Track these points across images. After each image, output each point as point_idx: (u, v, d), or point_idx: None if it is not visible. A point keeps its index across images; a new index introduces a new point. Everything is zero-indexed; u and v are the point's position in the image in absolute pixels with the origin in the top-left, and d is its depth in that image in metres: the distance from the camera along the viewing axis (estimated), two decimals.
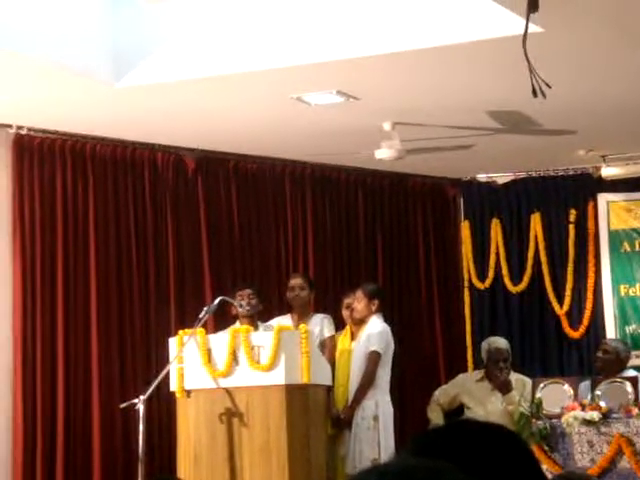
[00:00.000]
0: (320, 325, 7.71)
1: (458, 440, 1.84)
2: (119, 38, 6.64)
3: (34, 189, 7.79)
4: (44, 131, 7.85)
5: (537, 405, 7.34)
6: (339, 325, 7.86)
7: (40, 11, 6.20)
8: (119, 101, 7.02)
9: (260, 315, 7.56)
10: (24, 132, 7.76)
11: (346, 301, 7.74)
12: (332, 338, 7.73)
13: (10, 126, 7.71)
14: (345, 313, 7.74)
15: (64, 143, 7.96)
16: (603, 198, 9.55)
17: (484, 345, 8.21)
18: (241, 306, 7.31)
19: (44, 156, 7.86)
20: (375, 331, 7.50)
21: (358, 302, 7.60)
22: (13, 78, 6.51)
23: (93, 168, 8.08)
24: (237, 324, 7.42)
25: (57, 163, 7.91)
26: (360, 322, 7.60)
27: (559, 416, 7.23)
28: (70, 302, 7.87)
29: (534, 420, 7.25)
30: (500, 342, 8.15)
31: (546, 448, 7.17)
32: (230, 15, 6.48)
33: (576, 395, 7.45)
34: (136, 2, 6.34)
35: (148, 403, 6.65)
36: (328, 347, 7.63)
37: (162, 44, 6.60)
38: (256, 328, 7.23)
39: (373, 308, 7.58)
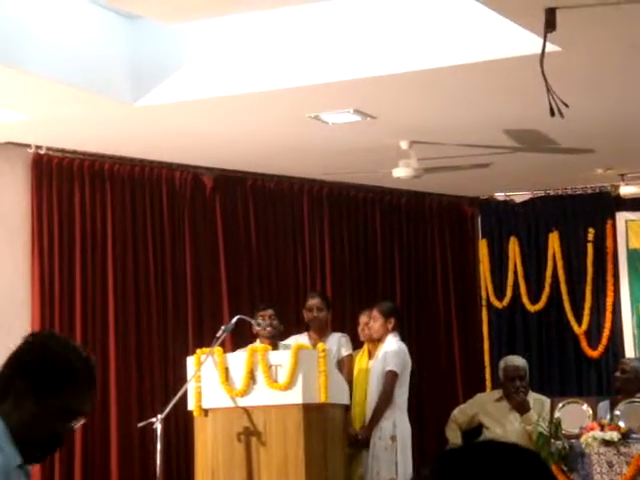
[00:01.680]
0: (338, 344, 7.70)
1: (479, 461, 1.84)
2: (138, 57, 6.67)
3: (52, 208, 7.82)
4: (62, 150, 7.88)
5: (556, 425, 7.30)
6: (356, 344, 7.85)
7: (58, 31, 6.24)
8: (137, 120, 7.05)
9: (280, 334, 7.57)
10: (43, 152, 7.80)
11: (362, 319, 7.73)
12: (350, 357, 7.71)
13: (29, 146, 7.75)
14: (361, 331, 7.72)
15: (82, 162, 7.99)
16: (622, 217, 9.52)
17: (501, 364, 8.18)
18: (259, 325, 7.31)
19: (62, 175, 7.89)
20: (392, 350, 7.49)
21: (374, 321, 7.59)
22: (31, 98, 6.55)
23: (111, 187, 8.11)
24: (257, 343, 7.42)
25: (75, 182, 7.94)
26: (377, 341, 7.59)
27: (578, 436, 7.19)
28: (88, 320, 7.89)
29: (553, 440, 7.20)
30: (517, 360, 8.12)
31: (565, 468, 7.12)
32: (248, 35, 6.50)
33: (595, 415, 7.41)
34: (155, 22, 6.36)
35: (166, 422, 6.65)
36: (346, 366, 7.62)
37: (180, 63, 6.63)
38: (276, 348, 7.23)
39: (389, 327, 7.56)
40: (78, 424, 2.75)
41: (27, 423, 2.67)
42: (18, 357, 2.75)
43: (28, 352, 2.73)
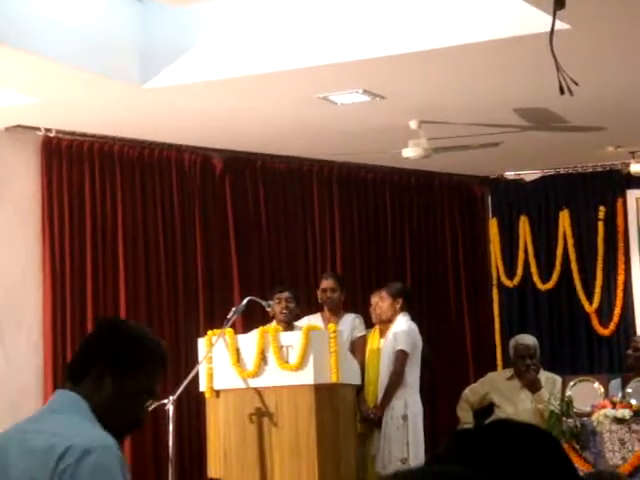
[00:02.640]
0: (351, 325, 7.71)
1: (493, 440, 1.85)
2: (146, 39, 6.67)
3: (63, 191, 7.83)
4: (72, 133, 7.89)
5: (567, 403, 7.30)
6: (369, 324, 7.86)
7: (67, 13, 6.24)
8: (147, 102, 7.05)
9: (296, 317, 7.60)
10: (52, 134, 7.81)
11: (373, 300, 7.74)
12: (363, 338, 7.73)
13: (38, 129, 7.76)
14: (373, 312, 7.74)
15: (92, 145, 8.00)
16: (632, 195, 9.50)
17: (511, 342, 8.18)
18: (269, 306, 7.32)
19: (72, 158, 7.90)
20: (402, 330, 7.49)
21: (382, 302, 7.60)
22: (41, 80, 6.55)
23: (121, 169, 8.12)
24: (273, 323, 7.44)
25: (85, 165, 7.95)
26: (387, 321, 7.60)
27: (589, 414, 7.20)
28: (99, 302, 7.91)
29: (564, 418, 7.21)
30: (527, 339, 8.11)
31: (577, 446, 7.13)
32: (256, 16, 6.49)
33: (606, 393, 7.41)
34: (163, 3, 6.35)
35: (177, 403, 6.67)
36: (359, 347, 7.64)
37: (189, 45, 6.62)
38: (292, 330, 7.24)
39: (397, 307, 7.57)
40: (152, 406, 2.84)
41: (107, 404, 2.73)
42: (94, 340, 2.85)
43: (104, 335, 2.83)
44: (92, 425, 2.68)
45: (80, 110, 7.30)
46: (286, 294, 7.48)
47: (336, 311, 7.81)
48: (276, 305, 7.42)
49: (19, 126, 7.65)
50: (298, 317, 7.62)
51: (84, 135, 7.94)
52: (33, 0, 6.03)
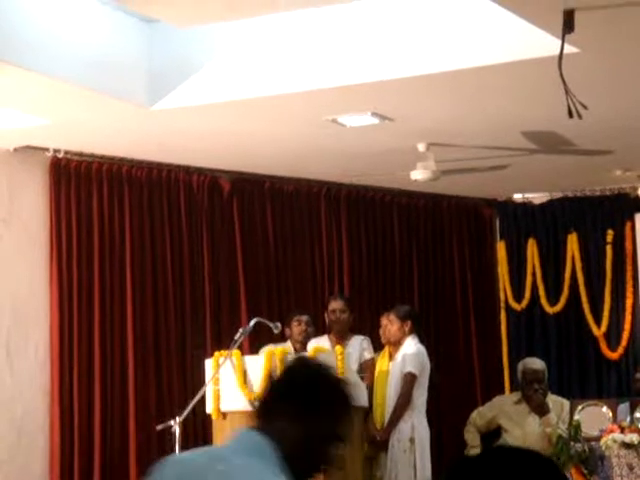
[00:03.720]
0: (360, 347, 7.72)
1: (494, 468, 1.83)
2: (154, 61, 6.68)
3: (71, 212, 7.84)
4: (80, 154, 7.91)
5: (575, 427, 7.27)
6: (378, 346, 7.85)
7: (76, 34, 6.25)
8: (154, 124, 7.06)
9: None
10: (61, 155, 7.82)
11: (383, 321, 7.73)
12: (372, 360, 7.73)
13: (47, 149, 7.78)
14: (382, 334, 7.72)
15: (100, 166, 8.01)
16: None
17: (519, 366, 8.15)
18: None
19: (81, 179, 7.91)
20: (410, 352, 7.48)
21: (391, 324, 7.60)
22: (49, 102, 6.57)
23: (129, 190, 8.13)
24: (287, 344, 7.49)
25: (93, 186, 7.96)
26: (396, 343, 7.58)
27: (598, 439, 7.16)
28: (107, 323, 7.91)
29: (572, 443, 7.18)
30: (535, 363, 8.08)
31: (585, 471, 7.09)
32: (264, 37, 6.50)
33: (615, 417, 7.38)
34: (171, 25, 6.37)
35: (184, 425, 6.65)
36: (368, 369, 7.64)
37: (197, 67, 6.63)
38: (305, 351, 7.35)
39: (406, 330, 7.56)
40: (338, 449, 2.75)
41: (296, 447, 2.64)
42: (286, 381, 2.76)
43: (296, 376, 2.76)
44: (275, 475, 2.58)
45: (89, 131, 7.32)
46: (305, 317, 7.74)
47: (344, 333, 7.81)
48: (295, 327, 7.67)
49: (28, 147, 7.68)
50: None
51: (92, 156, 7.96)
52: (42, 21, 6.05)
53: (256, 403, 2.73)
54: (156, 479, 2.62)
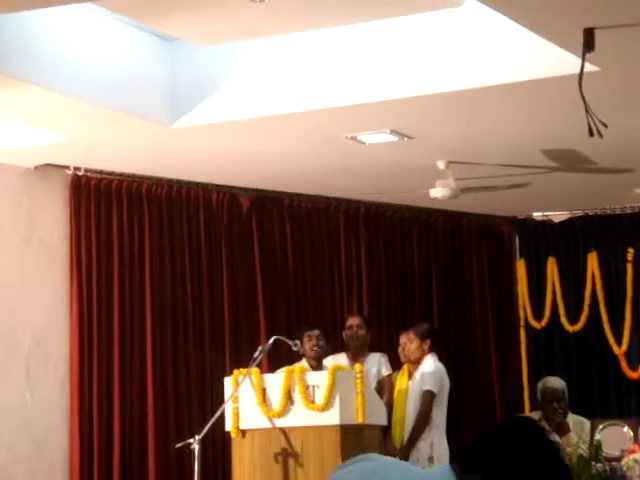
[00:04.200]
0: (378, 364, 7.70)
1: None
2: (174, 79, 6.71)
3: (91, 229, 7.87)
4: (101, 172, 7.93)
5: (596, 447, 7.22)
6: (396, 364, 7.82)
7: (96, 52, 6.29)
8: (175, 142, 7.08)
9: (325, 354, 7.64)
10: (81, 173, 7.85)
11: (402, 340, 7.70)
12: (390, 377, 7.71)
13: (67, 167, 7.81)
14: (401, 352, 7.69)
15: (120, 184, 8.04)
16: None
17: (539, 385, 8.10)
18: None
19: (101, 197, 7.94)
20: (429, 370, 7.45)
21: (410, 343, 7.57)
22: (70, 120, 6.59)
23: (149, 208, 8.15)
24: (303, 362, 7.46)
25: (113, 203, 7.99)
26: (415, 362, 7.56)
27: (619, 459, 7.11)
28: (126, 340, 7.91)
29: (593, 463, 7.12)
30: (555, 382, 8.03)
31: None
32: (284, 55, 6.52)
33: (636, 437, 7.32)
34: (192, 44, 6.40)
35: (203, 443, 6.64)
36: (386, 386, 7.62)
37: (217, 85, 6.65)
38: (321, 368, 7.27)
39: (425, 348, 7.53)
40: None
41: None
42: (506, 441, 2.42)
43: (518, 441, 2.40)
44: None
45: (109, 149, 7.34)
46: (316, 332, 7.58)
47: (362, 350, 7.79)
48: (306, 343, 7.52)
49: (48, 165, 7.71)
50: (327, 355, 7.65)
51: (112, 174, 7.99)
52: (63, 40, 6.09)
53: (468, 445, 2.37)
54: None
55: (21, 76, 5.81)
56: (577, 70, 4.75)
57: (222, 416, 6.83)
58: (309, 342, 7.53)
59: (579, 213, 9.73)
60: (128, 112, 6.50)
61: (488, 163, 7.73)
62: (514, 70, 5.96)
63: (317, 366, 7.39)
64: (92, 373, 7.74)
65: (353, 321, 7.90)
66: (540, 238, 9.86)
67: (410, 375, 7.60)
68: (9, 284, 7.52)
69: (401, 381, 7.63)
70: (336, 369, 6.86)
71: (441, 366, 7.55)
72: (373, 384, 7.32)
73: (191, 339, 8.22)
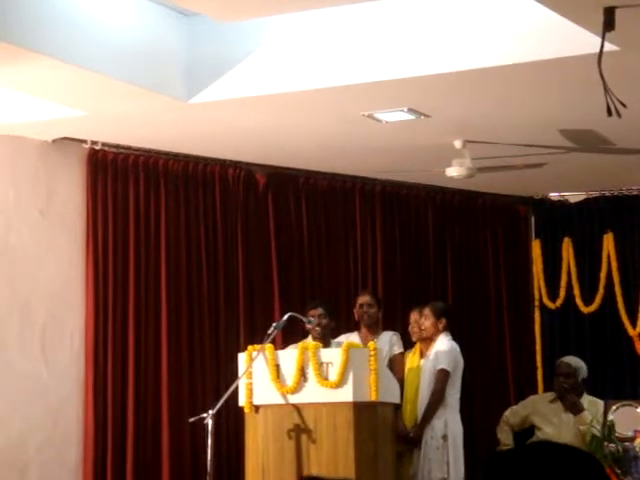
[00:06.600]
0: (389, 342, 7.69)
1: (530, 463, 1.82)
2: (192, 55, 6.71)
3: (107, 204, 7.89)
4: (118, 146, 7.95)
5: (609, 427, 7.23)
6: (408, 342, 7.82)
7: (114, 27, 6.29)
8: (192, 117, 7.08)
9: (331, 332, 7.54)
10: (98, 147, 7.87)
11: (413, 317, 7.69)
12: (401, 355, 7.70)
13: (85, 141, 7.82)
14: (411, 329, 7.68)
15: (137, 158, 8.05)
16: None
17: (557, 361, 8.10)
18: (310, 322, 7.30)
19: (117, 171, 7.95)
20: (443, 349, 7.45)
21: (425, 319, 7.55)
22: (87, 94, 6.60)
23: (165, 183, 8.16)
24: (309, 339, 7.42)
25: (130, 178, 8.00)
26: (428, 340, 7.55)
27: (632, 439, 7.12)
28: (141, 316, 7.94)
29: (606, 443, 7.14)
30: (571, 359, 8.01)
31: (618, 471, 7.06)
32: (302, 32, 6.50)
33: None
34: (210, 19, 6.39)
35: (217, 418, 6.67)
36: (398, 364, 7.60)
37: (235, 61, 6.65)
38: (327, 346, 7.19)
39: (440, 327, 7.52)
40: None
41: None
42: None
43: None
44: None
45: (126, 124, 7.35)
46: (319, 310, 7.37)
47: (374, 328, 7.78)
48: None
49: (66, 138, 7.72)
50: (333, 332, 7.54)
51: (129, 148, 8.00)
52: (80, 14, 6.09)
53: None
54: None
55: (41, 50, 5.81)
56: (597, 49, 4.72)
57: (236, 391, 6.86)
58: (311, 319, 7.39)
59: (595, 194, 9.69)
60: (146, 87, 6.50)
61: (505, 142, 7.71)
62: (532, 49, 5.94)
63: (323, 344, 7.24)
64: (107, 345, 7.78)
65: (363, 299, 7.86)
66: (556, 218, 9.84)
67: (422, 354, 7.60)
68: (25, 256, 7.56)
69: (412, 359, 7.63)
70: (350, 346, 6.87)
71: (456, 345, 7.55)
72: (385, 362, 7.29)
73: (206, 315, 8.25)
